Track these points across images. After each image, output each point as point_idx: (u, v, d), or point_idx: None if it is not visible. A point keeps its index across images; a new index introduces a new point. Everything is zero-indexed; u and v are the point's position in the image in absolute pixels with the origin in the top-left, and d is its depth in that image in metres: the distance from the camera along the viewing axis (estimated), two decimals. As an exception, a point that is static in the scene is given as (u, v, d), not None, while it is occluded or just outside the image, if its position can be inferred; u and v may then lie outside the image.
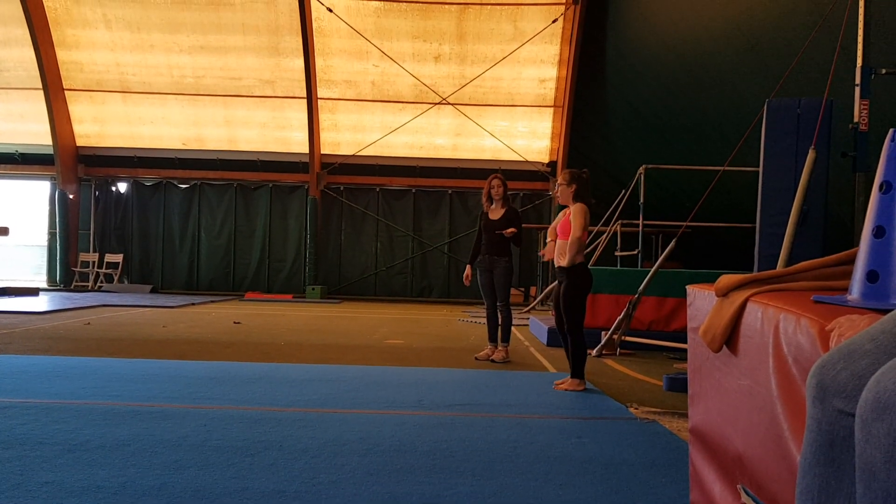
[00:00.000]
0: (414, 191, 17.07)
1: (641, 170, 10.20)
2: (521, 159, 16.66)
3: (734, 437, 2.03)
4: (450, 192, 17.03)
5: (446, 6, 15.22)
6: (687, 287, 2.54)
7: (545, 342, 8.69)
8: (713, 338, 2.11)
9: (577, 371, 5.48)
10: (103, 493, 2.73)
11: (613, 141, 15.36)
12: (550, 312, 11.57)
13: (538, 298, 14.29)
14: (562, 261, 5.54)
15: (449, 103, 16.15)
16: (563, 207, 5.89)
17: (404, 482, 3.03)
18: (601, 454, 3.56)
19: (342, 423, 4.09)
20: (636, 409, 4.78)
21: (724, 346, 2.10)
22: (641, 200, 10.25)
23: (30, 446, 3.34)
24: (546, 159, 16.88)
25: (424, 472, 3.17)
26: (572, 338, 5.48)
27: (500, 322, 7.17)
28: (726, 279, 2.14)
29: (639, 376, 6.41)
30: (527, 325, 10.90)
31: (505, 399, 5.03)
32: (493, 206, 7.11)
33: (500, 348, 7.21)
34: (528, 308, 13.97)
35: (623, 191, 11.09)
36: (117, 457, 3.23)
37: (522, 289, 16.74)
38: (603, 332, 7.91)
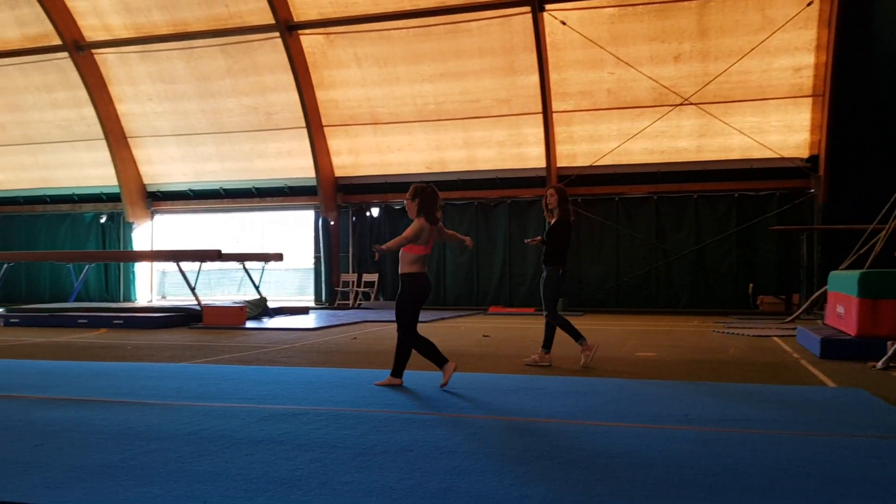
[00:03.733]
0: (655, 197, 16.51)
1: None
2: (776, 156, 15.44)
3: None
4: (695, 196, 16.23)
5: (685, 3, 14.62)
6: None
7: (818, 354, 7.92)
8: None
9: (396, 370, 5.79)
10: (396, 494, 2.91)
11: (888, 128, 13.72)
12: (819, 321, 10.55)
13: (803, 307, 13.10)
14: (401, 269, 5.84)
15: (691, 103, 15.44)
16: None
17: (684, 498, 2.92)
18: (910, 477, 3.14)
19: (607, 435, 4.02)
20: (947, 428, 4.17)
21: None
22: (927, 192, 9.02)
23: (327, 449, 3.66)
24: (805, 154, 15.48)
25: (703, 489, 3.04)
26: (399, 337, 5.79)
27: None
28: None
29: (941, 391, 5.61)
30: (793, 335, 10.01)
31: (780, 415, 4.66)
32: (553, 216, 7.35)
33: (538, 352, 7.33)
34: (791, 318, 12.86)
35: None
36: (402, 461, 3.44)
37: (783, 296, 15.45)
38: (889, 343, 7.03)
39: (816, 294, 12.48)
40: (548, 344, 7.32)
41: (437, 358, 5.73)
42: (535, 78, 15.90)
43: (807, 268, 15.06)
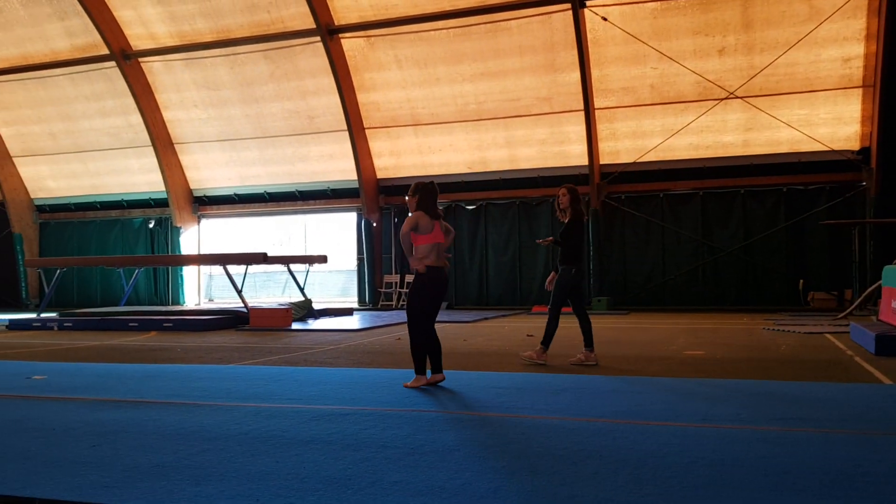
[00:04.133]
0: (701, 193, 16.24)
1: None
2: (826, 148, 15.07)
3: None
4: (742, 191, 15.93)
5: (729, -5, 14.41)
6: None
7: (872, 351, 7.71)
8: None
9: (417, 367, 5.76)
10: (446, 494, 2.92)
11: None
12: (873, 317, 10.28)
13: (856, 303, 12.77)
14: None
15: (736, 97, 15.15)
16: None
17: (736, 498, 2.87)
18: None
19: (656, 435, 3.97)
20: None
21: None
22: None
23: (375, 449, 3.69)
24: (856, 146, 15.09)
25: (757, 490, 2.99)
26: (409, 334, 5.79)
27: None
28: None
29: None
30: (847, 332, 9.77)
31: (836, 413, 4.55)
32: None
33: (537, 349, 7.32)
34: (843, 314, 12.54)
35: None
36: (451, 460, 3.44)
37: (835, 292, 15.08)
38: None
39: (870, 289, 12.15)
40: (588, 342, 7.26)
41: (420, 364, 5.76)
42: (577, 75, 15.78)
43: (859, 262, 14.67)
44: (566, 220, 7.29)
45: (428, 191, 5.92)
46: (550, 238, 7.46)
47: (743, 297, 15.85)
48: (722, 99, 15.26)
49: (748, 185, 15.87)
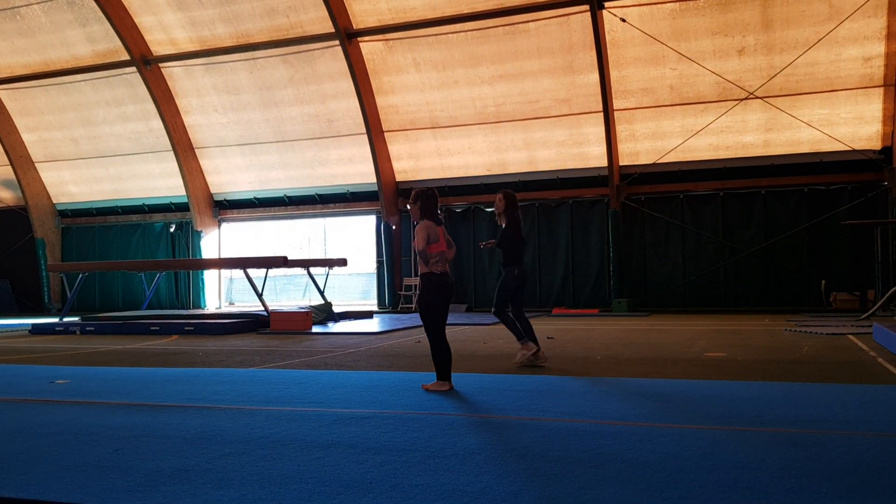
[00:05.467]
0: (721, 194, 16.13)
1: None
2: (847, 148, 14.92)
3: None
4: (763, 191, 15.80)
5: (749, -5, 14.31)
6: None
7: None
8: None
9: (441, 373, 5.76)
10: (467, 497, 2.92)
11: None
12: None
13: (878, 303, 12.61)
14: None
15: (756, 97, 15.04)
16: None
17: (759, 501, 2.85)
18: None
19: (678, 438, 3.95)
20: None
21: None
22: None
23: (396, 453, 3.70)
24: (878, 145, 14.92)
25: (779, 492, 2.96)
26: (429, 341, 5.81)
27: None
28: None
29: None
30: (869, 333, 9.65)
31: (861, 415, 4.50)
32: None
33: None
34: (866, 314, 12.39)
35: None
36: (471, 464, 3.44)
37: (857, 293, 14.91)
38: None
39: (893, 290, 12.01)
40: (530, 335, 7.34)
41: (444, 370, 5.77)
42: (595, 76, 15.74)
43: (882, 263, 14.49)
44: (504, 224, 7.46)
45: (429, 197, 5.98)
46: (492, 241, 7.64)
47: (764, 299, 15.72)
48: (742, 99, 15.15)
49: (769, 186, 15.75)
